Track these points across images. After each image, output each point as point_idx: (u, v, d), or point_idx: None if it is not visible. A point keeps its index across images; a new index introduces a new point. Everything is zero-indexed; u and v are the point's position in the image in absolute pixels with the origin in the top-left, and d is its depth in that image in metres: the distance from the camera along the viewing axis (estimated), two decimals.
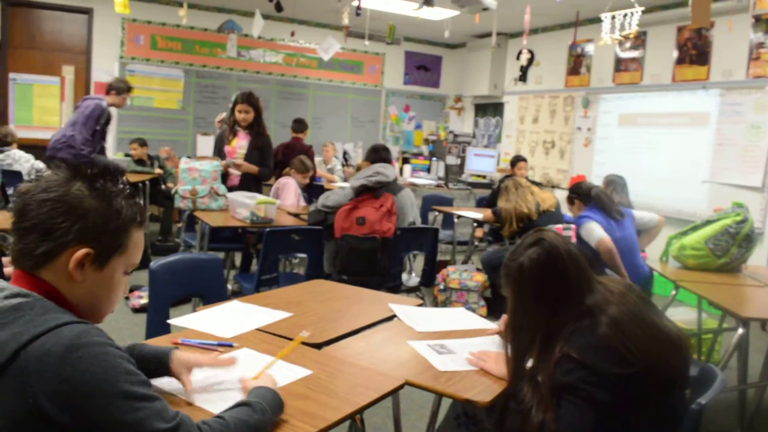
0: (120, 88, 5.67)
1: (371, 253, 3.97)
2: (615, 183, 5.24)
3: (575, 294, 1.69)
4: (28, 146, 6.46)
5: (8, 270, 3.09)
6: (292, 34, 8.51)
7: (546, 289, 1.70)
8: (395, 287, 4.11)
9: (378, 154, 4.42)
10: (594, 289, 1.71)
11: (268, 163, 5.06)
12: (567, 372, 1.59)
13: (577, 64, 8.10)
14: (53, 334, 1.06)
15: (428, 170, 9.56)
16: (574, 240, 4.17)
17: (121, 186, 1.24)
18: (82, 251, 1.17)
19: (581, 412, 1.56)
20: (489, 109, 9.90)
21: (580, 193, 4.38)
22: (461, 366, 1.90)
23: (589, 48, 7.85)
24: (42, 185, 1.17)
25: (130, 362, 1.12)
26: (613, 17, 5.41)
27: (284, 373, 1.68)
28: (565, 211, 4.93)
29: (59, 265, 1.17)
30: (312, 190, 6.02)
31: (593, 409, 1.55)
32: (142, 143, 7.09)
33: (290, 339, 1.97)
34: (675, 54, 6.66)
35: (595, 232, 4.05)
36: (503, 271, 1.81)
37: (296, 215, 4.80)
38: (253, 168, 4.93)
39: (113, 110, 5.78)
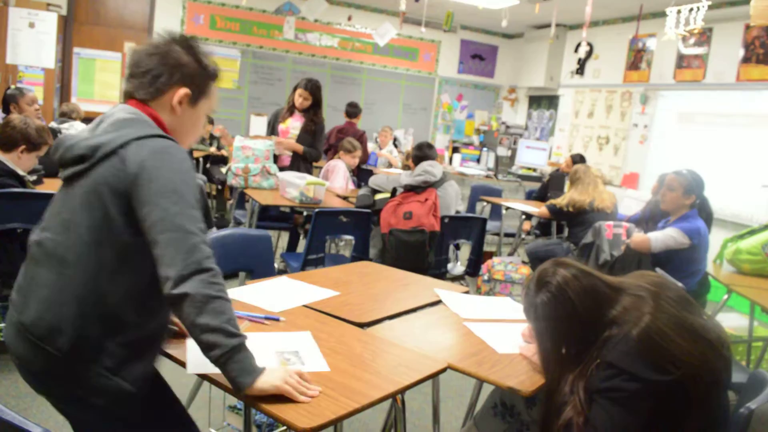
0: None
1: (420, 246, 3.96)
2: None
3: (594, 322, 1.65)
4: (89, 119, 6.63)
5: None
6: (349, 18, 8.54)
7: (563, 325, 1.68)
8: (440, 275, 4.10)
9: (422, 152, 4.28)
10: (617, 304, 1.65)
11: (317, 145, 5.09)
12: (605, 378, 1.55)
13: (637, 58, 7.90)
14: (151, 139, 1.45)
15: (478, 160, 9.49)
16: (624, 238, 4.09)
17: (205, 50, 1.66)
18: (183, 90, 1.57)
19: (609, 415, 1.52)
20: (543, 101, 9.76)
21: (698, 192, 3.85)
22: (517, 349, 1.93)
23: (651, 43, 7.65)
24: (151, 45, 1.59)
25: (199, 183, 1.44)
26: (679, 12, 5.25)
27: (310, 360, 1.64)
28: (622, 209, 4.85)
29: (164, 101, 1.57)
30: (361, 174, 6.05)
31: (628, 415, 1.51)
32: (210, 120, 7.11)
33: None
34: (741, 52, 6.43)
35: (677, 239, 3.75)
36: (523, 301, 1.83)
37: (345, 198, 4.84)
38: (298, 147, 4.96)
39: None
